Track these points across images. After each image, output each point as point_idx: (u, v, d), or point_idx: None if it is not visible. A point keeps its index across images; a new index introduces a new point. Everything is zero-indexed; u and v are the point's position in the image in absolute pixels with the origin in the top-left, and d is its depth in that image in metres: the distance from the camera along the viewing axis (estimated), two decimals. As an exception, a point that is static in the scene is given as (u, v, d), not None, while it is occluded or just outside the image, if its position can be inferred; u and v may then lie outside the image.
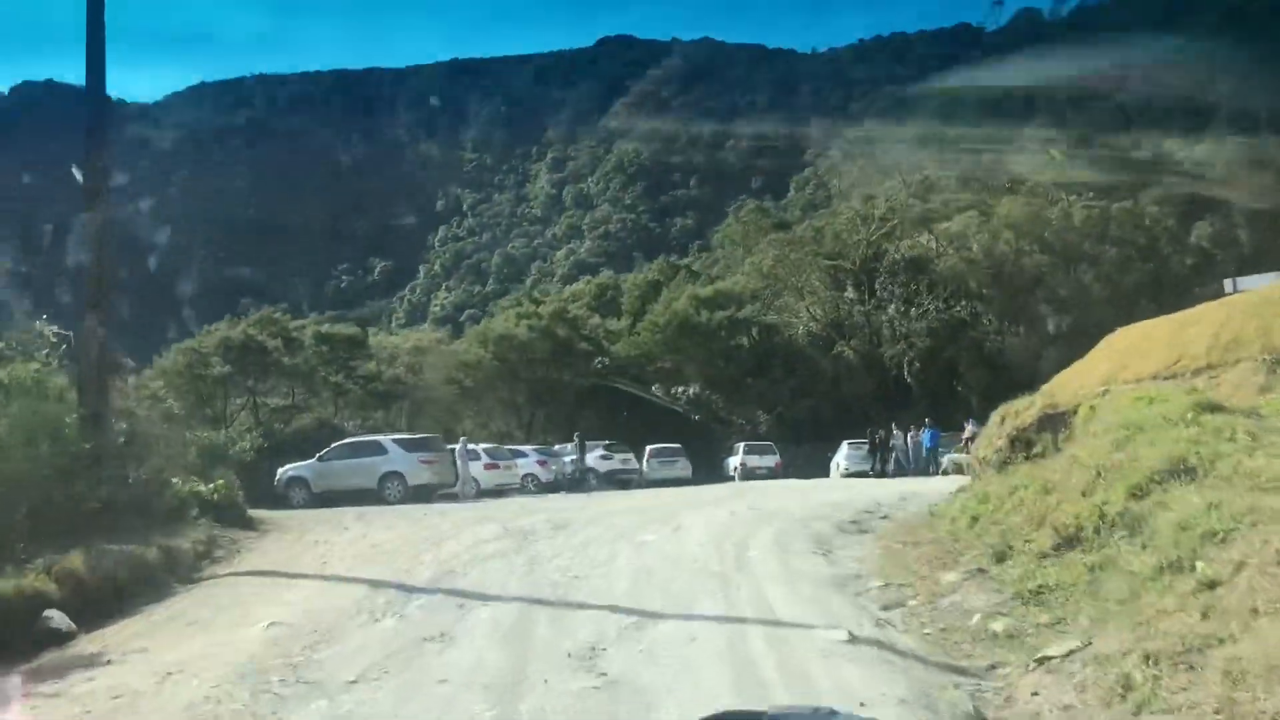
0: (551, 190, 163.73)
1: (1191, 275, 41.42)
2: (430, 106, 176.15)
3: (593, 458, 37.68)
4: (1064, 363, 42.04)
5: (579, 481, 36.89)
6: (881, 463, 36.88)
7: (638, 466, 38.42)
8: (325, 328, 44.36)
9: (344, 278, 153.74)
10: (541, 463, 35.15)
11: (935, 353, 43.14)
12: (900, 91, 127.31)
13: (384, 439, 30.30)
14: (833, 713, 1.55)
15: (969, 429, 33.23)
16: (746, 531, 14.06)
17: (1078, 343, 43.69)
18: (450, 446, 31.34)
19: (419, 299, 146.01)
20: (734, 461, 40.08)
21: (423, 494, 27.75)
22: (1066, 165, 53.77)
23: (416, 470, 28.40)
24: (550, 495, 31.14)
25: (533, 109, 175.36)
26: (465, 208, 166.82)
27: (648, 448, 39.71)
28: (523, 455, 35.25)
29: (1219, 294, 21.89)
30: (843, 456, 37.92)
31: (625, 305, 54.36)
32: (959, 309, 43.51)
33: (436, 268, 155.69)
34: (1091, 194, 45.94)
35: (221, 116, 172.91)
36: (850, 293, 46.48)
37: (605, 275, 75.53)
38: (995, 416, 16.08)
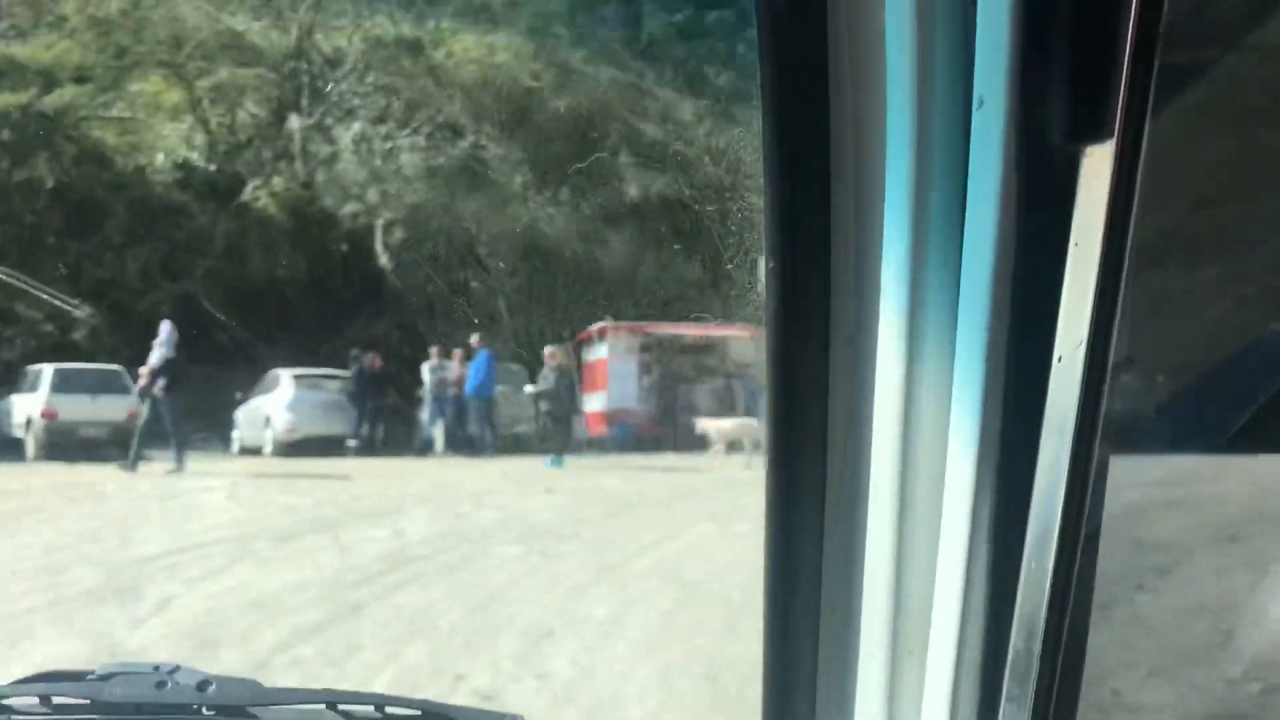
0: None
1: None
2: None
3: None
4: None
5: None
6: (372, 422, 16.83)
7: None
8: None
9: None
10: None
11: (437, 214, 22.97)
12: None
13: None
14: (176, 668, 1.41)
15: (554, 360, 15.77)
16: None
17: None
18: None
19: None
20: (24, 405, 16.85)
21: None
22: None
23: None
24: None
25: None
26: None
27: None
28: None
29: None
30: (284, 405, 16.27)
31: None
32: (467, 140, 24.08)
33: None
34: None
35: None
36: (267, 97, 23.94)
37: None
38: None
